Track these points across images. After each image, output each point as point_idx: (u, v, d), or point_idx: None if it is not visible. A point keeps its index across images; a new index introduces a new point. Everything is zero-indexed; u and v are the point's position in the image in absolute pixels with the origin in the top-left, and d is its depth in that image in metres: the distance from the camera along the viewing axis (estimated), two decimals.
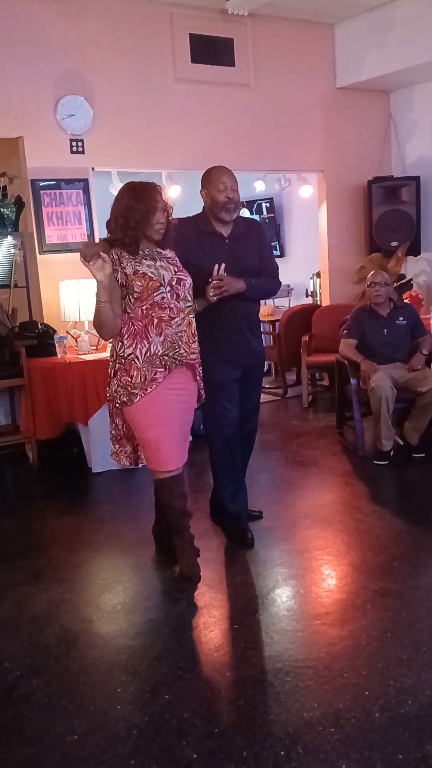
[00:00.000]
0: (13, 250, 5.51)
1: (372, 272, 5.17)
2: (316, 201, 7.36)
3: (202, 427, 3.73)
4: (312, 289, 7.85)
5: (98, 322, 3.05)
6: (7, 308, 5.42)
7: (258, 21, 6.38)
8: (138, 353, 3.06)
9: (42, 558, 3.62)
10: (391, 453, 4.73)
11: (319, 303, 7.48)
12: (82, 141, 5.62)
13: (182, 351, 3.11)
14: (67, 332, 5.26)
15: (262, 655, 2.62)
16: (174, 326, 3.09)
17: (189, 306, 3.15)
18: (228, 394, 3.48)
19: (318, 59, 6.85)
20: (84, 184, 5.66)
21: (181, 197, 6.55)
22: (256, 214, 8.79)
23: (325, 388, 7.23)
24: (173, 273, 3.10)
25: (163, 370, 3.08)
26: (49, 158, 5.50)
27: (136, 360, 3.06)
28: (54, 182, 5.54)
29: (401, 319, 4.94)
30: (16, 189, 5.50)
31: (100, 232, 5.95)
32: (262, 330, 7.41)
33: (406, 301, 5.62)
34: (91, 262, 2.90)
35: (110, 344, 5.26)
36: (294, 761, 2.05)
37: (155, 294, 3.03)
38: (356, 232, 7.28)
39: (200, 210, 3.54)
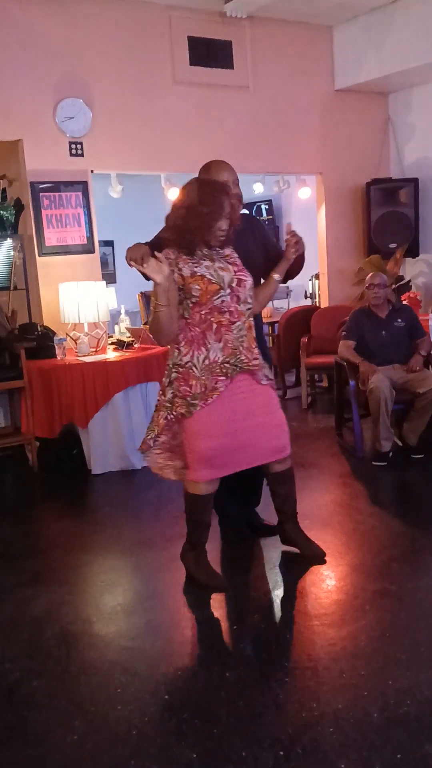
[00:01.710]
0: (12, 253, 5.52)
1: (370, 274, 5.18)
2: (315, 203, 7.38)
3: None
4: (311, 291, 7.87)
5: (156, 327, 2.91)
6: (7, 310, 5.44)
7: (256, 23, 6.40)
8: (195, 361, 2.92)
9: (42, 560, 3.63)
10: (390, 454, 4.74)
11: (317, 304, 7.50)
12: (81, 143, 5.64)
13: (243, 357, 2.97)
14: (66, 334, 5.27)
15: (261, 655, 2.63)
16: (235, 331, 2.94)
17: (249, 308, 3.00)
18: None
19: (316, 61, 6.87)
20: (83, 187, 5.67)
21: None
22: (255, 216, 8.81)
23: (324, 390, 7.24)
24: (233, 274, 2.96)
25: (224, 378, 2.93)
26: (49, 161, 5.52)
27: (194, 368, 2.92)
28: (53, 185, 5.55)
29: (400, 320, 4.96)
30: (16, 191, 5.51)
31: (100, 235, 5.98)
32: (264, 332, 7.44)
33: (404, 302, 5.63)
34: (144, 265, 2.77)
35: (111, 347, 5.32)
36: (293, 761, 2.06)
37: (215, 297, 2.89)
38: (355, 233, 7.30)
39: None
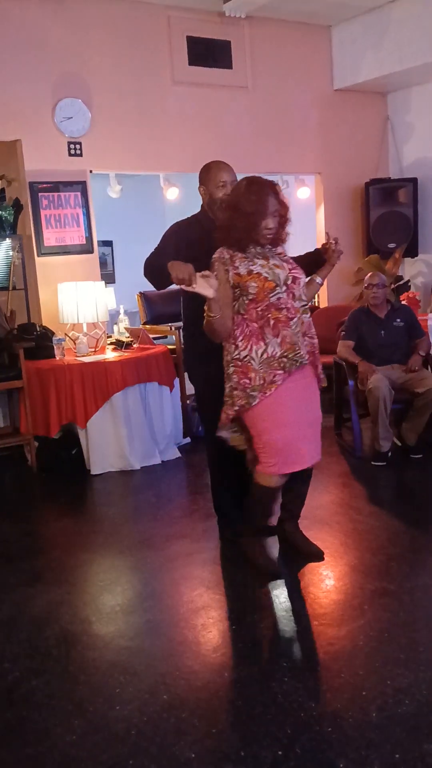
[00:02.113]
0: (11, 253, 5.52)
1: (369, 274, 5.19)
2: (314, 203, 7.38)
3: (201, 428, 3.75)
4: None
5: (210, 331, 3.02)
6: (6, 310, 5.44)
7: (255, 23, 6.40)
8: (254, 355, 2.99)
9: (41, 560, 3.64)
10: (389, 454, 4.74)
11: (316, 304, 7.50)
12: (80, 143, 5.64)
13: (302, 352, 3.03)
14: (65, 334, 5.28)
15: (260, 655, 2.64)
16: (293, 327, 3.00)
17: (304, 305, 3.07)
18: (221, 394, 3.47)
19: (315, 61, 6.87)
20: (82, 187, 5.67)
21: (180, 199, 6.57)
22: None
23: (323, 390, 7.23)
24: (288, 271, 3.03)
25: (282, 372, 2.98)
26: (48, 161, 5.52)
27: (252, 362, 2.99)
28: (52, 185, 5.55)
29: (398, 320, 4.96)
30: (15, 191, 5.51)
31: (99, 235, 5.99)
32: None
33: (403, 302, 5.63)
34: (194, 285, 2.83)
35: (110, 347, 5.33)
36: (292, 761, 2.06)
37: (271, 295, 2.96)
38: (354, 233, 7.31)
39: (199, 209, 3.50)
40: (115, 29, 5.75)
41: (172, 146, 6.09)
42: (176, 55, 6.05)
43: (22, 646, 2.81)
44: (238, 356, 3.03)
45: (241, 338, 3.02)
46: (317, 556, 3.36)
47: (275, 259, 3.05)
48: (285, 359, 2.99)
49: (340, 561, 3.41)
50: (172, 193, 6.75)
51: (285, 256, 3.11)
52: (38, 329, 5.27)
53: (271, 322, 2.98)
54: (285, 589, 3.15)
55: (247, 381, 3.00)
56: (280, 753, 2.09)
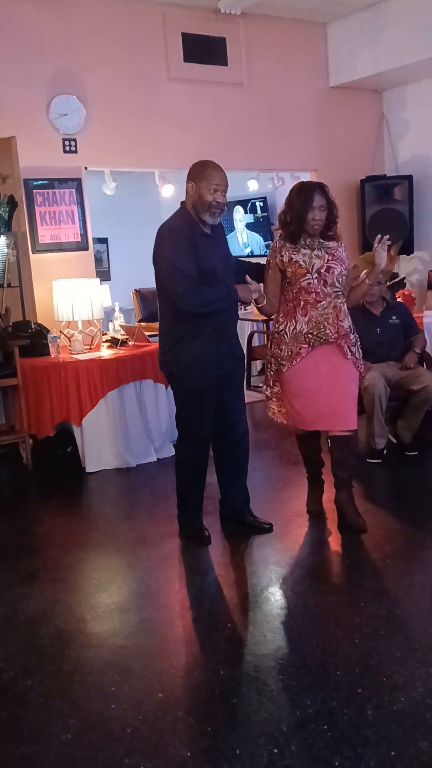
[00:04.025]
0: (6, 250, 5.50)
1: (365, 271, 5.17)
2: None
3: None
4: None
5: (262, 312, 3.62)
6: (0, 308, 5.42)
7: (250, 20, 6.39)
8: (287, 330, 3.51)
9: (36, 558, 3.62)
10: (385, 451, 4.74)
11: None
12: (75, 140, 5.62)
13: (328, 331, 3.47)
14: (60, 332, 5.26)
15: (255, 653, 2.63)
16: (320, 308, 3.46)
17: (336, 291, 3.49)
18: (209, 400, 3.47)
19: (311, 58, 6.87)
20: (77, 184, 5.66)
21: (175, 196, 6.55)
22: (249, 213, 8.80)
23: None
24: (325, 261, 3.46)
25: (306, 346, 3.48)
26: (42, 158, 5.50)
27: (285, 335, 3.51)
28: (47, 182, 5.53)
29: (394, 318, 4.95)
30: (9, 188, 5.49)
31: (94, 232, 5.97)
32: (256, 329, 7.44)
33: (399, 299, 5.63)
34: (257, 303, 3.48)
35: (105, 344, 5.32)
36: (287, 759, 2.06)
37: (302, 279, 3.44)
38: (349, 230, 7.29)
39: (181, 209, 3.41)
40: (110, 26, 5.73)
41: (167, 143, 6.07)
42: (171, 51, 6.03)
43: (17, 645, 2.80)
44: (276, 329, 3.58)
45: (281, 314, 3.56)
46: (359, 529, 3.59)
47: (320, 250, 3.48)
48: (310, 335, 3.47)
49: (336, 558, 3.41)
50: (167, 191, 6.73)
51: (334, 250, 3.50)
52: (33, 327, 5.26)
53: (302, 303, 3.47)
54: (281, 587, 3.14)
55: (279, 351, 3.55)
56: (275, 751, 2.09)
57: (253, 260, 3.96)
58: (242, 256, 9.03)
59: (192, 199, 3.34)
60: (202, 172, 3.32)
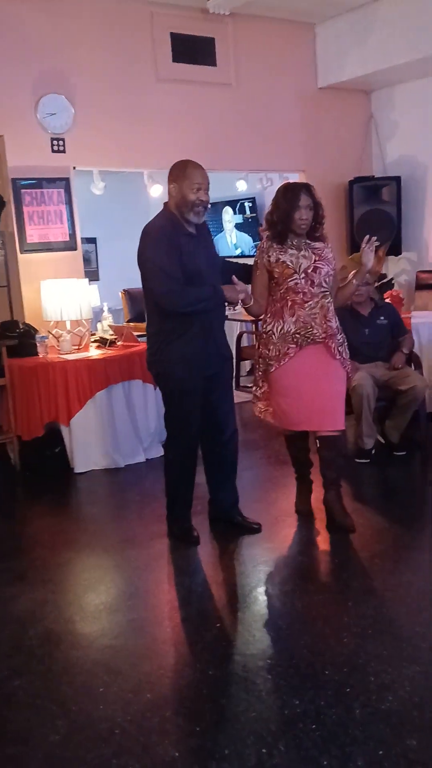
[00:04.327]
0: None
1: (352, 271, 5.18)
2: None
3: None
4: None
5: (249, 312, 3.63)
6: None
7: (239, 20, 6.39)
8: (275, 330, 3.52)
9: (25, 559, 3.61)
10: (373, 451, 4.76)
11: None
12: (63, 140, 5.60)
13: (315, 331, 3.48)
14: (48, 332, 5.24)
15: (244, 653, 2.64)
16: (307, 308, 3.48)
17: (324, 291, 3.51)
18: (197, 400, 3.48)
19: (299, 59, 6.87)
20: (65, 183, 5.64)
21: (164, 197, 6.53)
22: (238, 214, 8.80)
23: None
24: (312, 262, 3.47)
25: (294, 346, 3.49)
26: (30, 157, 5.48)
27: (273, 335, 3.52)
28: (35, 181, 5.51)
29: (382, 318, 4.97)
30: None
31: (83, 232, 5.96)
32: (245, 330, 7.45)
33: (387, 300, 5.65)
34: (244, 303, 3.48)
35: (93, 344, 5.31)
36: (276, 758, 2.06)
37: (289, 280, 3.45)
38: (337, 231, 7.30)
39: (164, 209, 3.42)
40: (99, 25, 5.72)
41: (155, 143, 6.06)
42: (160, 51, 6.03)
43: (5, 645, 2.79)
44: (264, 330, 3.58)
45: (269, 315, 3.57)
46: (348, 529, 3.59)
47: (307, 251, 3.50)
48: (298, 335, 3.48)
49: (324, 558, 3.42)
50: (155, 191, 6.72)
51: (320, 251, 3.51)
52: (21, 327, 5.24)
53: (289, 303, 3.48)
54: (269, 587, 3.15)
55: (267, 352, 3.56)
56: (264, 751, 2.10)
57: (243, 261, 3.96)
58: (231, 257, 9.04)
59: (175, 200, 3.35)
60: (183, 172, 3.32)
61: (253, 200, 8.58)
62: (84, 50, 5.66)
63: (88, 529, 3.99)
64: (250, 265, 3.69)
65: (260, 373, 3.67)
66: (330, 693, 2.34)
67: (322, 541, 3.59)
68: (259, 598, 3.06)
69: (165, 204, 3.44)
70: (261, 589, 3.13)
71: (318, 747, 2.09)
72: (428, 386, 4.96)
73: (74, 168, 5.72)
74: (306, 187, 3.50)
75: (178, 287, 3.28)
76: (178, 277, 3.27)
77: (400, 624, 2.76)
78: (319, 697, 2.32)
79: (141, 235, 3.39)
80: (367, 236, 3.64)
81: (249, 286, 3.52)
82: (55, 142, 5.58)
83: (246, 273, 3.63)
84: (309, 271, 3.47)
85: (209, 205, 3.43)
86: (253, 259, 3.72)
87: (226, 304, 3.50)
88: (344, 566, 3.31)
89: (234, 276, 3.43)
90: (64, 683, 2.51)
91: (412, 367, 5.00)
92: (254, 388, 3.77)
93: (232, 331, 7.34)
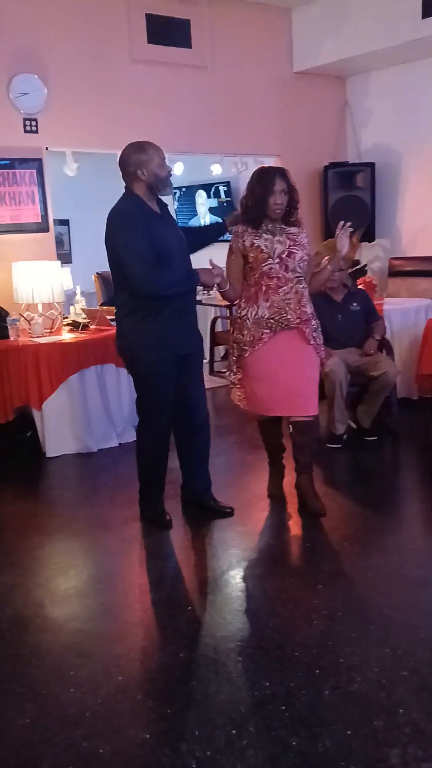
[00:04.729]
0: None
1: (326, 257, 5.19)
2: None
3: None
4: None
5: (225, 297, 3.64)
6: None
7: (215, 3, 6.32)
8: (249, 315, 3.51)
9: None
10: (344, 436, 4.79)
11: None
12: (36, 120, 5.52)
13: (290, 316, 3.48)
14: (20, 315, 5.18)
15: (215, 635, 2.65)
16: (281, 294, 3.48)
17: (298, 276, 3.51)
18: (169, 384, 3.46)
19: (275, 43, 6.83)
20: (38, 164, 5.56)
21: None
22: (213, 198, 8.76)
23: None
24: (286, 247, 3.47)
25: (269, 331, 3.49)
26: (2, 137, 5.39)
27: (247, 321, 3.52)
28: (7, 162, 5.43)
29: (355, 304, 4.99)
30: None
31: (56, 213, 5.88)
32: (219, 315, 7.44)
33: (360, 286, 5.67)
34: (219, 287, 3.47)
35: (66, 328, 5.26)
36: (245, 739, 2.08)
37: (263, 264, 3.46)
38: (312, 217, 7.30)
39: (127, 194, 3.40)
40: (73, 5, 5.62)
41: (130, 125, 5.98)
42: (135, 32, 5.95)
43: None
44: (239, 314, 3.58)
45: (243, 300, 3.57)
46: (318, 513, 3.62)
47: (282, 235, 3.50)
48: (272, 321, 3.48)
49: (296, 541, 3.45)
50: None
51: (295, 236, 3.52)
52: None
53: (263, 288, 3.48)
54: (240, 569, 3.16)
55: (241, 337, 3.55)
56: (233, 732, 2.11)
57: (216, 245, 3.93)
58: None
59: (147, 181, 3.34)
60: (146, 154, 3.32)
61: (228, 184, 8.54)
62: (58, 30, 5.57)
63: (59, 513, 3.97)
64: (208, 225, 3.70)
65: (234, 358, 3.65)
66: (299, 675, 2.36)
67: (294, 525, 3.61)
68: (230, 581, 3.08)
69: (126, 188, 3.41)
70: (232, 573, 3.14)
71: (287, 728, 2.11)
72: (399, 372, 5.01)
73: (47, 149, 5.64)
74: (281, 172, 3.49)
75: (152, 270, 3.26)
76: (150, 259, 3.25)
77: (368, 606, 2.79)
78: (289, 678, 2.34)
79: (108, 221, 3.36)
80: (342, 222, 3.65)
81: (225, 270, 3.50)
82: (27, 123, 5.49)
83: (203, 234, 3.70)
84: (284, 256, 3.47)
85: (170, 171, 3.46)
86: (226, 243, 3.70)
87: (201, 287, 3.50)
88: (315, 549, 3.33)
89: (211, 259, 3.43)
90: (33, 667, 2.51)
91: (384, 353, 5.03)
92: (228, 374, 3.76)
93: (207, 316, 7.33)
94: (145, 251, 3.24)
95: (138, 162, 3.33)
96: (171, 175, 3.41)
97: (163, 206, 3.48)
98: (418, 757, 1.98)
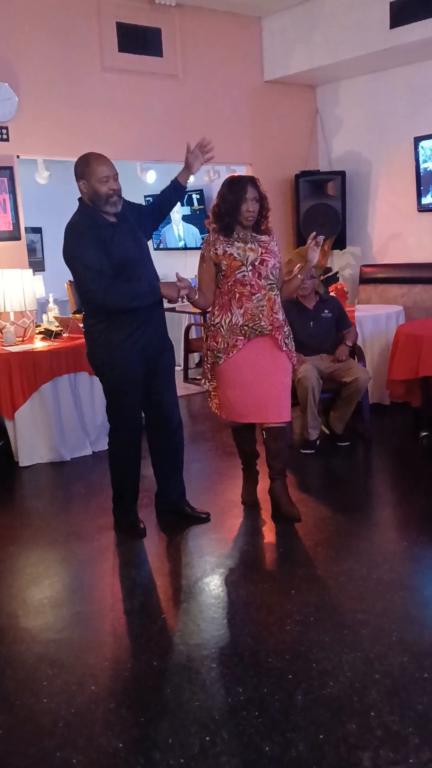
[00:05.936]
0: None
1: (298, 265, 5.23)
2: None
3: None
4: None
5: (196, 306, 3.66)
6: None
7: (186, 12, 6.36)
8: (223, 322, 3.53)
9: None
10: (317, 442, 4.83)
11: None
12: (6, 128, 5.50)
13: (263, 323, 3.51)
14: None
15: (188, 643, 2.65)
16: (255, 301, 3.50)
17: (270, 283, 3.54)
18: (137, 390, 3.48)
19: (246, 52, 6.88)
20: (9, 172, 5.54)
21: (157, 184, 6.48)
22: (186, 206, 8.79)
23: None
24: (258, 254, 3.50)
25: (243, 338, 3.51)
26: None
27: (221, 328, 3.53)
28: None
29: (327, 311, 5.04)
30: None
31: (28, 221, 5.87)
32: (193, 322, 7.45)
33: (331, 294, 5.72)
34: (183, 299, 3.47)
35: (38, 336, 5.24)
36: (219, 746, 2.09)
37: (237, 272, 3.48)
38: (284, 225, 7.37)
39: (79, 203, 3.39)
40: (44, 13, 5.62)
41: (101, 133, 6.00)
42: (106, 41, 5.96)
43: None
44: (212, 322, 3.60)
45: (217, 307, 3.58)
46: (294, 518, 3.66)
47: (254, 243, 3.53)
48: (246, 327, 3.50)
49: (269, 547, 3.46)
50: (150, 177, 6.65)
51: (266, 243, 3.55)
52: None
53: (237, 295, 3.50)
54: (214, 576, 3.17)
55: (215, 344, 3.57)
56: (207, 739, 2.12)
57: (189, 252, 3.96)
58: (176, 249, 9.02)
59: (88, 195, 3.33)
60: (88, 167, 3.29)
61: (200, 192, 8.57)
62: (28, 38, 5.56)
63: (32, 523, 3.94)
64: (167, 185, 3.72)
65: (209, 365, 3.66)
66: (273, 680, 2.38)
67: (268, 531, 3.63)
68: (204, 588, 3.08)
69: (79, 199, 3.40)
70: (206, 580, 3.15)
71: (260, 734, 2.12)
72: (371, 378, 5.05)
73: (18, 157, 5.63)
74: (251, 180, 3.53)
75: (108, 283, 3.25)
76: (106, 272, 3.24)
77: (341, 611, 2.82)
78: (262, 684, 2.36)
79: (64, 234, 3.36)
80: (314, 233, 3.68)
81: (192, 280, 3.51)
82: None
83: (167, 194, 3.73)
84: (256, 263, 3.50)
85: (121, 192, 3.36)
86: (199, 251, 3.73)
87: (164, 301, 3.48)
88: (288, 555, 3.35)
89: (177, 272, 3.45)
90: (6, 678, 2.49)
91: (356, 359, 5.08)
92: (204, 382, 3.76)
93: (181, 323, 7.34)
94: (100, 264, 3.23)
95: (81, 174, 3.32)
96: (115, 191, 3.29)
97: (122, 215, 3.39)
98: (390, 760, 2.00)
